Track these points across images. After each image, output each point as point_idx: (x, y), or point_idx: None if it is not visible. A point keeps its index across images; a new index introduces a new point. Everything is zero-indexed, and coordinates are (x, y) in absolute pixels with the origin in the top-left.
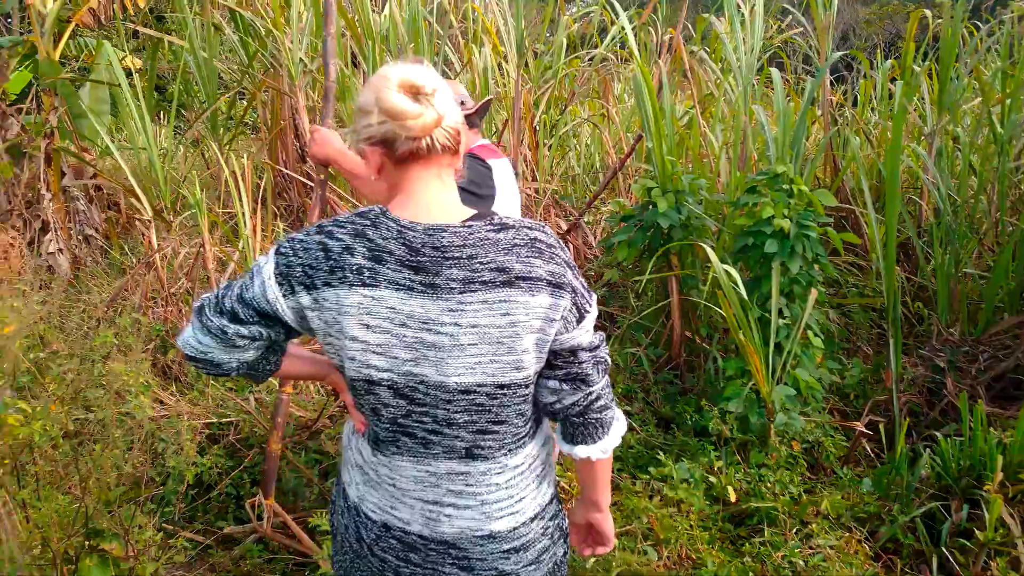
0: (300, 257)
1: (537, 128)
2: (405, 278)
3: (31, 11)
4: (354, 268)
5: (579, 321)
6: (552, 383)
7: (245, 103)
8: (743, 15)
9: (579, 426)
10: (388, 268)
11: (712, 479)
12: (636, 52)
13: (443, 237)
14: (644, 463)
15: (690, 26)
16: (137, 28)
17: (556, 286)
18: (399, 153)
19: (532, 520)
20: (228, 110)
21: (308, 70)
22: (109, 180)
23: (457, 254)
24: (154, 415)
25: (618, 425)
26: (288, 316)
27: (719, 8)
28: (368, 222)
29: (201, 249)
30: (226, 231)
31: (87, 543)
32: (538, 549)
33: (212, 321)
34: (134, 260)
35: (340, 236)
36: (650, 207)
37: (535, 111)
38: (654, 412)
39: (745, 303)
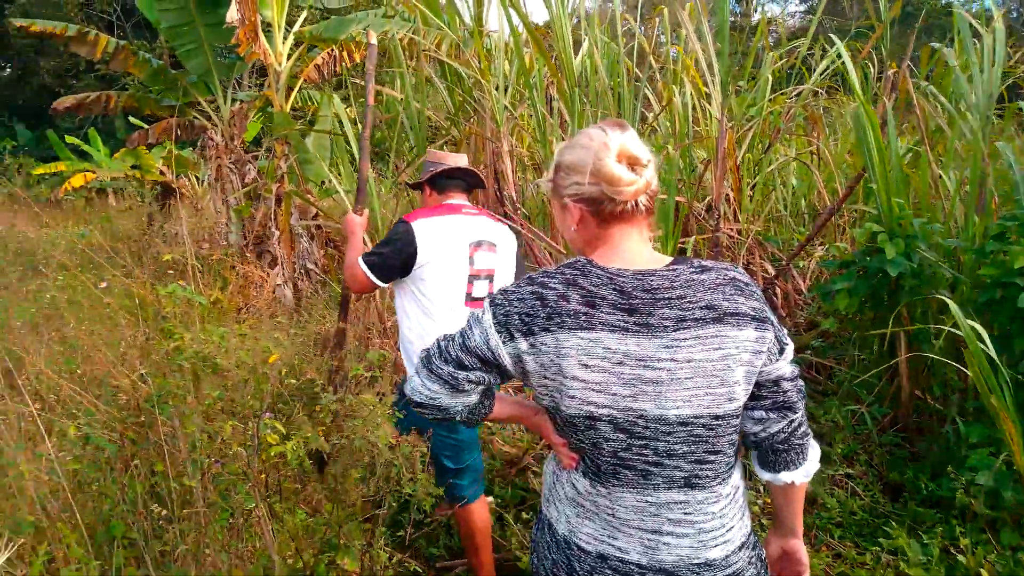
0: (516, 307)
1: (740, 167)
2: (620, 319)
3: (269, 70)
4: (570, 313)
5: (780, 353)
6: (758, 412)
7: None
8: (978, 43)
9: (783, 452)
10: (602, 312)
11: (960, 558)
12: (857, 85)
13: (652, 280)
14: (870, 532)
15: (910, 61)
16: (356, 81)
17: (760, 321)
18: (605, 213)
19: (740, 549)
20: None
21: (512, 116)
22: (330, 219)
23: (667, 295)
24: (394, 442)
25: (816, 451)
26: (506, 361)
27: (945, 35)
28: (577, 271)
29: None
30: None
31: (325, 556)
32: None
33: (441, 368)
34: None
35: (553, 285)
36: (875, 253)
37: (738, 150)
38: (879, 477)
39: (995, 363)
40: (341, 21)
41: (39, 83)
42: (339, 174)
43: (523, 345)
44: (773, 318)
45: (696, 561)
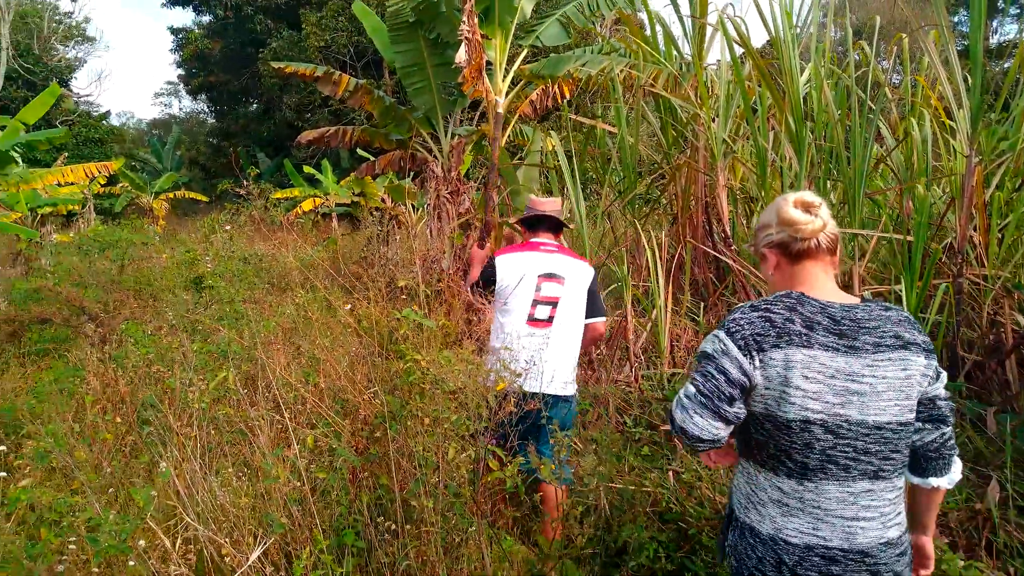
0: (748, 329)
1: (988, 206)
2: (832, 341)
3: (488, 106)
4: (796, 333)
5: (937, 377)
6: (917, 424)
7: (662, 182)
8: None
9: (933, 460)
10: (818, 334)
11: None
12: None
13: (857, 312)
14: None
15: None
16: (573, 117)
17: (928, 351)
18: (793, 251)
19: (905, 532)
20: (646, 190)
21: (731, 151)
22: None
23: (868, 325)
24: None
25: (959, 464)
26: (756, 378)
27: None
28: (794, 301)
29: (623, 319)
30: (645, 304)
31: None
32: (910, 554)
33: (728, 410)
34: None
35: (778, 311)
36: None
37: (986, 188)
38: None
39: None
40: (559, 59)
41: (281, 118)
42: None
43: (756, 361)
44: (929, 346)
45: (882, 540)
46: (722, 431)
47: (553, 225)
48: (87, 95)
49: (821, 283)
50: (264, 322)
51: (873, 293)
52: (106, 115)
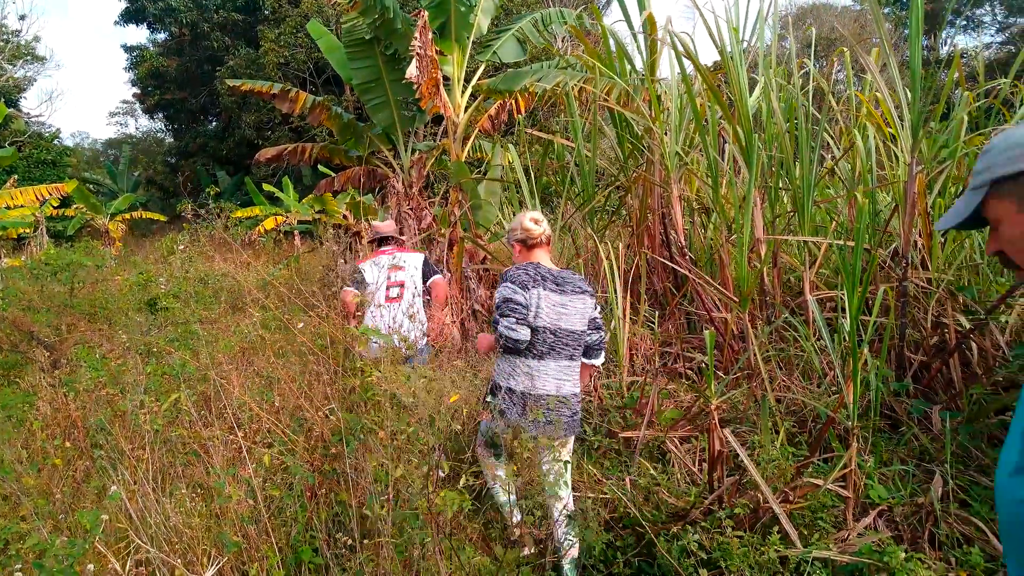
0: (519, 280)
1: (931, 212)
2: (552, 287)
3: (448, 121)
4: (537, 281)
5: (595, 308)
6: (588, 331)
7: (619, 195)
8: None
9: (593, 350)
10: (548, 283)
11: None
12: None
13: (563, 274)
14: None
15: None
16: (529, 131)
17: (592, 295)
18: (529, 244)
19: (579, 388)
20: (604, 202)
21: (684, 163)
22: (497, 262)
23: (569, 280)
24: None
25: (604, 355)
26: (531, 303)
27: None
28: (533, 267)
29: None
30: (603, 315)
31: None
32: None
33: (528, 321)
34: None
35: (528, 272)
36: None
37: (928, 194)
38: None
39: None
40: (517, 73)
41: (241, 135)
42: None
43: (526, 294)
44: (593, 293)
45: (573, 392)
46: (529, 333)
47: (390, 238)
48: (38, 115)
49: (544, 260)
50: (220, 342)
51: (822, 299)
52: (57, 135)
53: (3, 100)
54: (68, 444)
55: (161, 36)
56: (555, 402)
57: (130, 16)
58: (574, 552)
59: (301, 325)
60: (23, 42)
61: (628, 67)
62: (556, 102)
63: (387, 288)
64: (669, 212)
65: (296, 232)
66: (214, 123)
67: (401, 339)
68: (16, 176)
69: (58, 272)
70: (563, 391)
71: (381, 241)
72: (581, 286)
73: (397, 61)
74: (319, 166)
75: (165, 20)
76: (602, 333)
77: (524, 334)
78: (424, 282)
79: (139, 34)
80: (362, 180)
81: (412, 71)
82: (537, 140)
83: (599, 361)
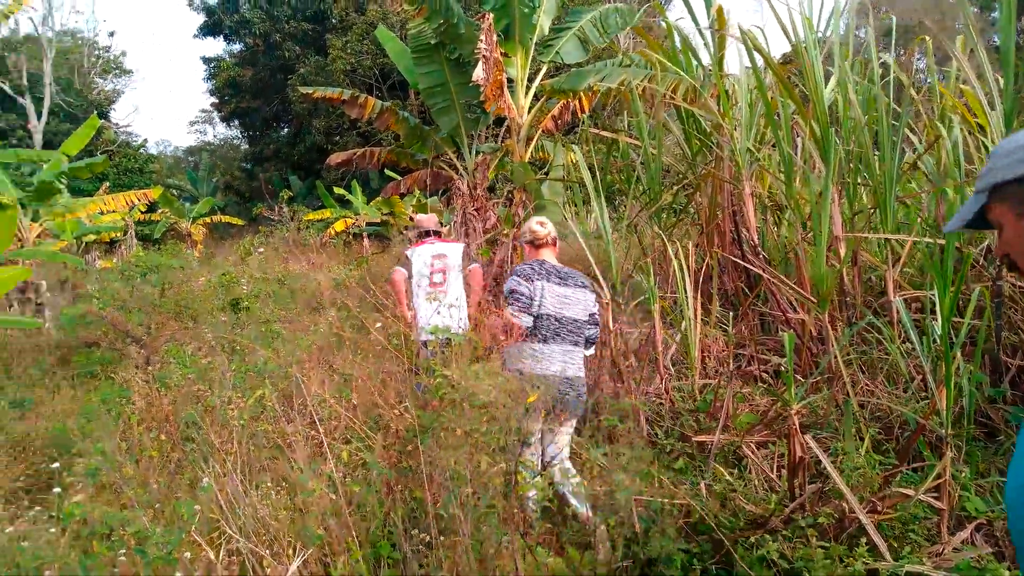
0: (524, 273)
1: None
2: (556, 280)
3: (511, 123)
4: (542, 275)
5: (595, 303)
6: (588, 324)
7: (688, 192)
8: None
9: (590, 342)
10: (552, 277)
11: None
12: None
13: (566, 270)
14: None
15: None
16: (594, 130)
17: (593, 292)
18: (536, 244)
19: (583, 372)
20: (672, 200)
21: (755, 159)
22: (566, 264)
23: (571, 275)
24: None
25: (593, 347)
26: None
27: None
28: (539, 263)
29: (651, 331)
30: (674, 317)
31: None
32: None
33: (530, 309)
34: None
35: (533, 267)
36: None
37: None
38: None
39: None
40: (580, 72)
41: (311, 141)
42: (575, 216)
43: (530, 285)
44: (596, 291)
45: (578, 374)
46: (531, 320)
47: (432, 232)
48: (126, 126)
49: (549, 257)
50: (299, 341)
51: (908, 299)
52: (144, 144)
53: (95, 112)
54: (163, 437)
55: (236, 47)
56: (562, 382)
57: (208, 29)
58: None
59: (379, 325)
60: (112, 57)
61: (694, 63)
62: (620, 100)
63: (431, 274)
64: (741, 209)
65: (365, 234)
66: (286, 129)
67: (443, 331)
68: (108, 183)
69: (147, 273)
70: (568, 373)
71: (424, 233)
72: (583, 282)
73: (461, 65)
74: (386, 170)
75: (240, 32)
76: (598, 328)
77: (526, 320)
78: (464, 268)
79: (216, 46)
80: (427, 182)
81: (479, 74)
82: (601, 139)
83: (590, 352)
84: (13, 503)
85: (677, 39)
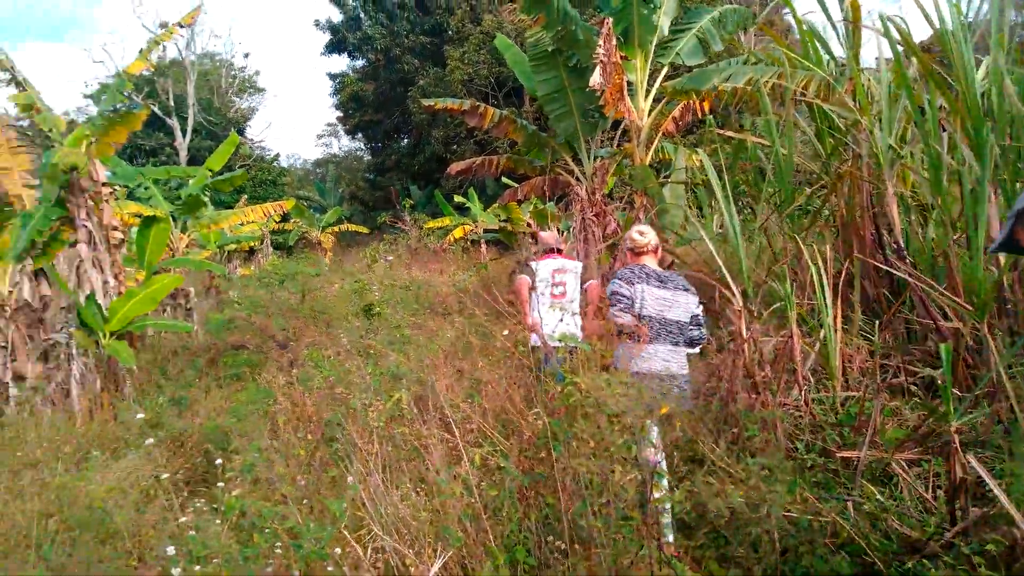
0: (625, 277)
1: None
2: (656, 284)
3: (631, 126)
4: (642, 278)
5: (698, 305)
6: (689, 325)
7: (822, 193)
8: None
9: (695, 341)
10: (652, 281)
11: None
12: None
13: (666, 274)
14: None
15: None
16: (720, 131)
17: (694, 294)
18: (636, 251)
19: (687, 370)
20: (806, 202)
21: (898, 157)
22: (693, 269)
23: (671, 279)
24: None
25: (699, 347)
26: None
27: None
28: (640, 268)
29: (788, 340)
30: (811, 324)
31: None
32: (689, 381)
33: (631, 310)
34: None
35: (634, 271)
36: None
37: None
38: None
39: None
40: (703, 73)
41: (430, 151)
42: (700, 219)
43: (631, 288)
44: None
45: (681, 371)
46: (631, 319)
47: (554, 248)
48: (260, 141)
49: (650, 263)
50: (428, 346)
51: None
52: (276, 158)
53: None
54: (308, 437)
55: (359, 63)
56: (666, 379)
57: (333, 47)
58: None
59: (507, 332)
60: (247, 77)
61: (825, 57)
62: (745, 100)
63: (552, 285)
64: (883, 211)
65: (483, 240)
66: (405, 140)
67: (570, 338)
68: (246, 196)
69: (284, 280)
70: (671, 370)
71: (547, 250)
72: (684, 285)
73: (579, 71)
74: (503, 177)
75: (363, 48)
76: (703, 329)
77: (628, 319)
78: (581, 285)
79: (341, 62)
80: (544, 189)
81: (596, 79)
82: (726, 140)
83: (695, 351)
84: (175, 494)
85: (799, 32)
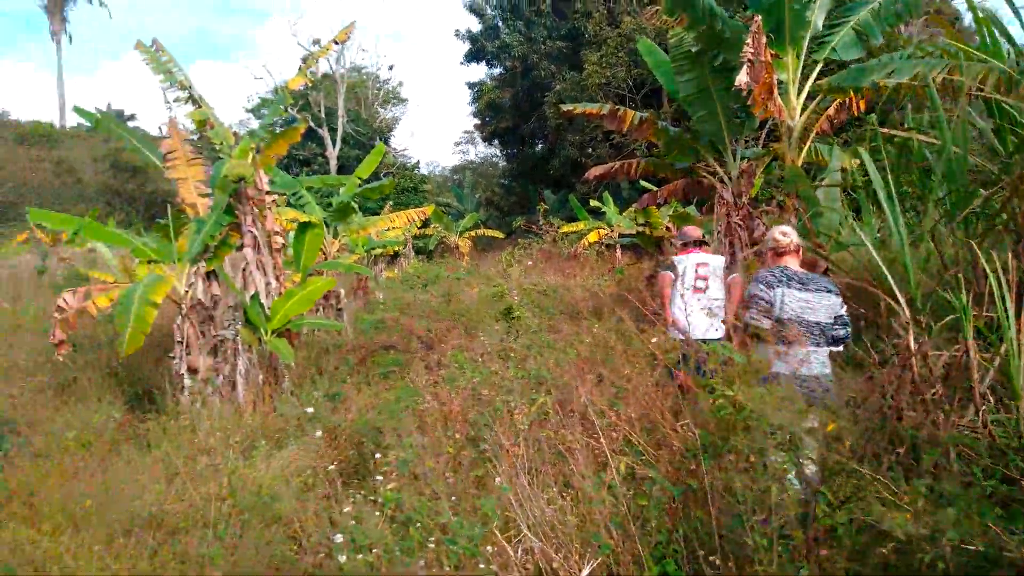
0: (765, 280)
1: None
2: (797, 286)
3: (781, 126)
4: (783, 281)
5: (841, 306)
6: (833, 324)
7: (1002, 195)
8: None
9: (839, 340)
10: (793, 283)
11: None
12: None
13: (808, 276)
14: None
15: None
16: (885, 130)
17: (838, 294)
18: (779, 252)
19: (829, 369)
20: (983, 205)
21: None
22: (850, 276)
23: (814, 280)
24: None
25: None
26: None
27: None
28: (780, 270)
29: (963, 355)
30: (991, 337)
31: None
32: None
33: (770, 313)
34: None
35: (774, 273)
36: None
37: None
38: None
39: None
40: (861, 69)
41: (565, 155)
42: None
43: (771, 292)
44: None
45: (824, 372)
46: (769, 323)
47: (698, 241)
48: (403, 150)
49: (792, 264)
50: (568, 350)
51: None
52: (416, 165)
53: (380, 139)
54: (457, 436)
55: (496, 71)
56: (808, 379)
57: (472, 56)
58: None
59: (655, 340)
60: (391, 88)
61: (1005, 48)
62: (911, 95)
63: (695, 280)
64: None
65: (618, 245)
66: (540, 145)
67: (727, 350)
68: (391, 202)
69: (428, 284)
70: (814, 371)
71: (690, 243)
72: (827, 286)
73: (725, 70)
74: (641, 180)
75: (501, 56)
76: (848, 328)
77: (765, 323)
78: (724, 280)
79: (479, 71)
80: (685, 192)
81: (742, 78)
82: (889, 139)
83: (839, 348)
84: (331, 485)
85: (974, 20)
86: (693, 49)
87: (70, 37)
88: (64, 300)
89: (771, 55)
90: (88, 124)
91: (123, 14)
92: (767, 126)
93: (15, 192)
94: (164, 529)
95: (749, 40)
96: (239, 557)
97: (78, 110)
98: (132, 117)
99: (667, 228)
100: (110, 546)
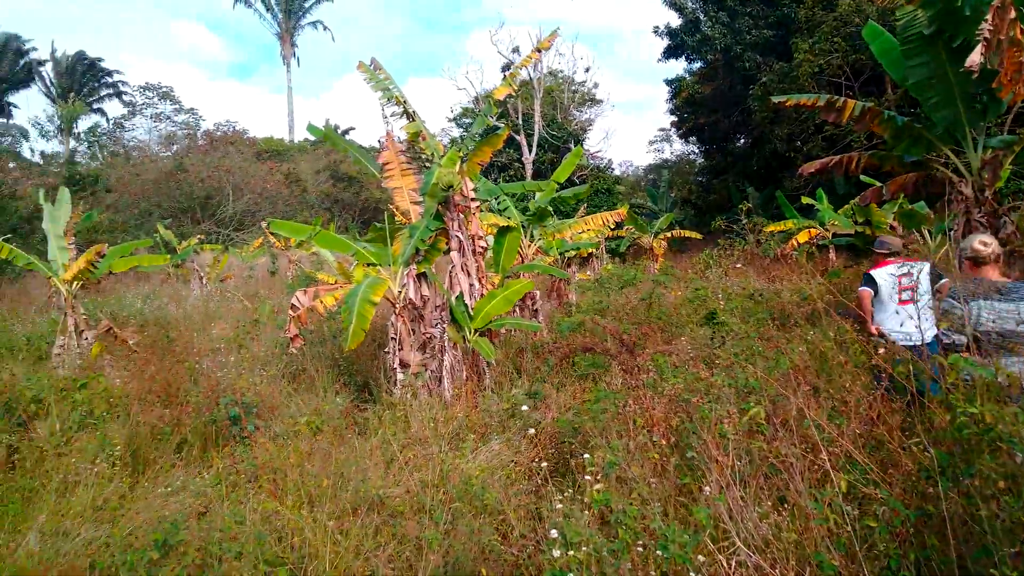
0: (957, 296)
1: None
2: (998, 298)
3: None
4: (978, 294)
5: None
6: None
7: None
8: None
9: None
10: (992, 295)
11: None
12: None
13: (1008, 285)
14: None
15: None
16: None
17: None
18: (978, 262)
19: None
20: None
21: None
22: None
23: (1015, 288)
24: None
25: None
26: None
27: None
28: (975, 283)
29: None
30: None
31: None
32: None
33: (960, 328)
34: None
35: (969, 288)
36: None
37: None
38: None
39: None
40: None
41: (770, 150)
42: None
43: (967, 307)
44: None
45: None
46: (963, 339)
47: (897, 252)
48: (597, 151)
49: (991, 275)
50: (780, 359)
51: None
52: (608, 165)
53: (575, 142)
54: (662, 442)
55: (696, 66)
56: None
57: (671, 52)
58: None
59: (882, 351)
60: (586, 90)
61: None
62: None
63: (899, 291)
64: None
65: (831, 245)
66: (742, 140)
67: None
68: (585, 205)
69: (624, 286)
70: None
71: (888, 254)
72: None
73: (964, 52)
74: (861, 175)
75: (701, 50)
76: None
77: (958, 339)
78: (932, 285)
79: (677, 67)
80: (916, 186)
81: (975, 58)
82: None
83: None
84: (532, 481)
85: None
86: (926, 31)
87: (298, 60)
88: (297, 299)
89: (1021, 31)
90: (313, 139)
91: (342, 38)
92: (1014, 110)
93: (253, 202)
94: (385, 511)
95: (989, 16)
96: (452, 543)
97: (311, 128)
98: (347, 131)
99: (891, 227)
100: (340, 522)
